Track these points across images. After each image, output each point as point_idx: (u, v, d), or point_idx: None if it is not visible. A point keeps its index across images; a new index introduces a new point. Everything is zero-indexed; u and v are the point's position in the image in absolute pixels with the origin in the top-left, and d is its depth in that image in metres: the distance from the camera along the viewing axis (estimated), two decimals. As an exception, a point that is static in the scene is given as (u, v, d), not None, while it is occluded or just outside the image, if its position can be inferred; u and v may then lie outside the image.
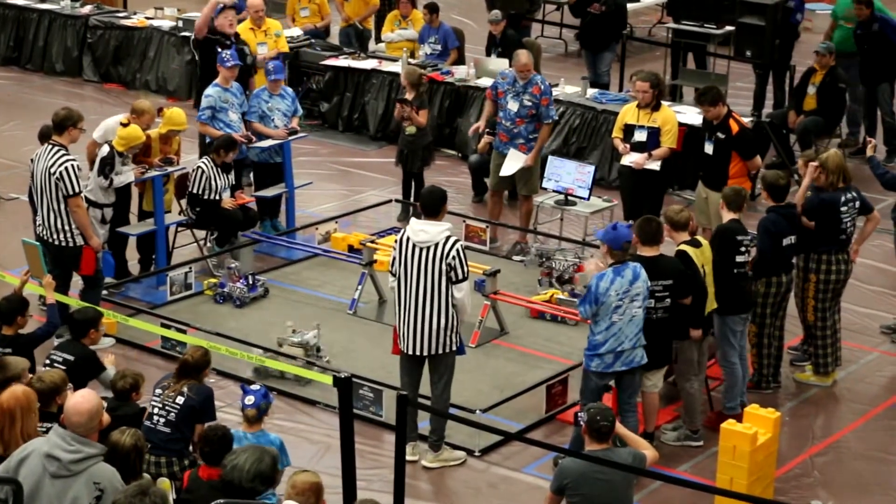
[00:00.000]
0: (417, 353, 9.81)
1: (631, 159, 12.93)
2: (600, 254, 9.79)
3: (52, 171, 11.11)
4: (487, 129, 14.04)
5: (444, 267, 9.60)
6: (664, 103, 13.21)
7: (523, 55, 13.54)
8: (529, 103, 13.42)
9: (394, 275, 9.84)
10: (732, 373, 10.45)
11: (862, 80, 16.27)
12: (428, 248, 9.62)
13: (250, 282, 12.44)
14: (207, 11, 14.40)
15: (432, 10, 17.37)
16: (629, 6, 18.72)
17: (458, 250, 9.63)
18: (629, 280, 9.44)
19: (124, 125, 12.30)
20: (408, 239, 9.70)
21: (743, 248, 10.33)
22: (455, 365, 9.98)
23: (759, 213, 11.12)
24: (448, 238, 9.65)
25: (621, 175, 13.49)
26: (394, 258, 9.82)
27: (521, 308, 12.20)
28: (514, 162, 13.49)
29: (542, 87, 13.47)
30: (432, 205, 9.75)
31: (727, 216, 10.46)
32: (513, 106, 13.48)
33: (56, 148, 11.19)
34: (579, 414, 8.30)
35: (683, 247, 10.03)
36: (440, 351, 9.79)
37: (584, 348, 9.64)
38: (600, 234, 9.71)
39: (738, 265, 10.30)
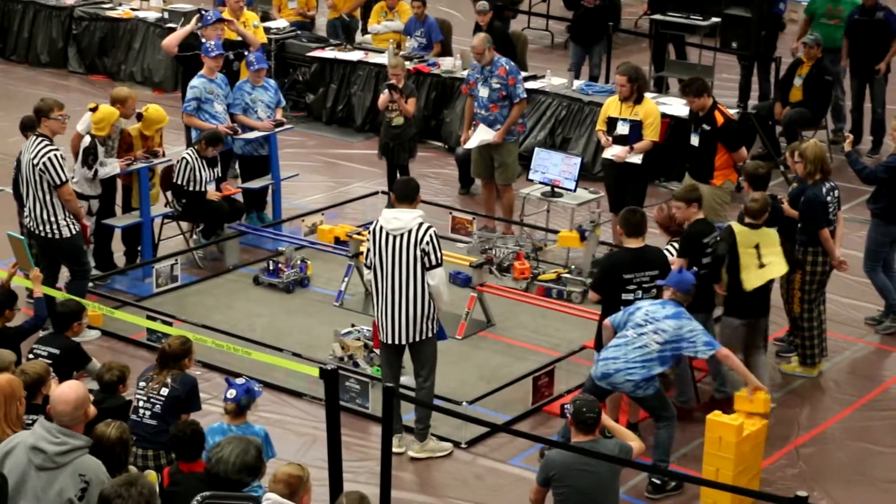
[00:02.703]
0: (396, 341, 9.82)
1: (612, 152, 12.96)
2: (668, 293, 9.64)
3: (36, 162, 11.08)
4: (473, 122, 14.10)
5: (418, 253, 9.61)
6: (647, 96, 13.23)
7: (476, 39, 13.75)
8: (498, 86, 13.49)
9: (368, 266, 9.85)
10: (682, 366, 10.46)
11: (853, 72, 16.24)
12: (402, 234, 9.63)
13: (296, 264, 12.72)
14: (183, 33, 14.26)
15: (423, 2, 17.38)
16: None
17: (431, 236, 9.64)
18: (665, 315, 9.31)
19: (93, 110, 12.24)
20: (381, 228, 9.71)
21: (709, 250, 10.32)
22: (437, 353, 9.99)
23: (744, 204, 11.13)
24: (421, 224, 9.66)
25: (605, 168, 13.51)
26: (368, 249, 9.83)
27: (507, 300, 12.17)
28: (480, 135, 13.53)
29: (508, 67, 13.60)
30: (409, 192, 9.77)
31: (693, 216, 10.41)
32: (483, 93, 13.56)
33: (40, 139, 11.15)
34: (566, 406, 8.31)
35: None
36: (418, 338, 9.79)
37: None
38: (665, 282, 9.65)
39: (702, 266, 10.29)
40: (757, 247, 10.21)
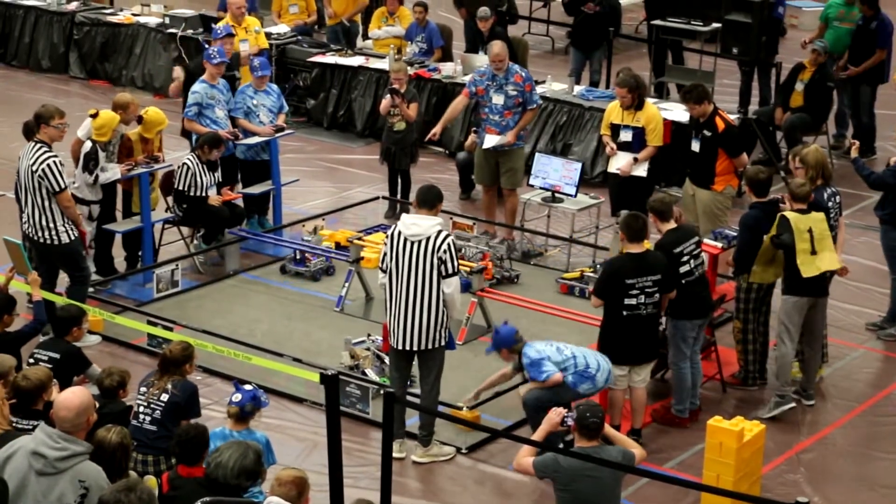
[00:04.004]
0: (407, 348, 9.81)
1: (617, 165, 12.97)
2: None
3: (35, 169, 11.07)
4: (474, 128, 14.06)
5: (434, 261, 9.61)
6: (648, 101, 13.23)
7: (496, 45, 13.62)
8: (514, 92, 13.45)
9: (384, 271, 9.83)
10: (679, 376, 10.41)
11: (849, 78, 16.27)
12: (419, 241, 9.62)
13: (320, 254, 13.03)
14: (179, 85, 14.97)
15: (425, 8, 17.39)
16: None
17: (449, 244, 9.64)
18: (540, 344, 9.83)
19: (93, 116, 12.24)
20: (399, 233, 9.70)
21: (685, 258, 10.22)
22: (444, 360, 9.99)
23: (745, 209, 11.13)
24: (440, 232, 9.66)
25: (609, 177, 13.50)
26: (384, 253, 9.81)
27: (506, 305, 12.15)
28: (494, 137, 13.50)
29: (523, 74, 13.55)
30: (430, 198, 9.77)
31: (663, 227, 10.31)
32: (498, 99, 13.49)
33: (38, 145, 11.14)
34: (567, 414, 8.30)
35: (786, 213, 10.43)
36: (430, 346, 9.79)
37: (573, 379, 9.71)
38: (490, 348, 10.14)
39: (684, 275, 10.20)
40: (810, 231, 10.32)
